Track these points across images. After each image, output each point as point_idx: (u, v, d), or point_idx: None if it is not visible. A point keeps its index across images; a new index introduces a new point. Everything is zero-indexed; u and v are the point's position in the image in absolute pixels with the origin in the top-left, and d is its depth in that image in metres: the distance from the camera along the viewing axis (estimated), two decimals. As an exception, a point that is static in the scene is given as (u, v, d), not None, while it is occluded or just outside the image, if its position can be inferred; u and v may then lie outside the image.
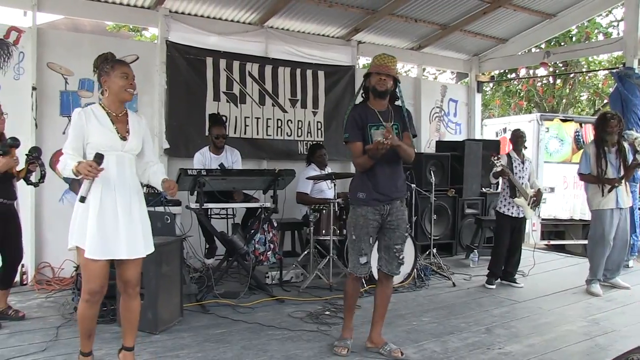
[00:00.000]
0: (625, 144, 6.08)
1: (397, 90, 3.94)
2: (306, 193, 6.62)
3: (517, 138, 6.31)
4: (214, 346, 4.00)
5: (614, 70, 7.87)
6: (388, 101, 3.95)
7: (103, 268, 3.14)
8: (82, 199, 3.04)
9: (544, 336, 4.50)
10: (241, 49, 7.25)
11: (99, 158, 2.97)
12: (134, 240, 3.19)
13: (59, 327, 4.28)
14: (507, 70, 16.15)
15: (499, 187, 6.74)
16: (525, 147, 6.40)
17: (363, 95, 4.02)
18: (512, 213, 6.13)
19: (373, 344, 4.04)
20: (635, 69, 7.40)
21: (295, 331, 4.40)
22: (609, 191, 5.91)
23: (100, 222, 3.08)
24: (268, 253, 5.73)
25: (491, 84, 19.98)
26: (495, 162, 5.95)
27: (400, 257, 4.00)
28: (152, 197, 5.35)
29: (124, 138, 3.21)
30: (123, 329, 3.44)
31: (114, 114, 3.25)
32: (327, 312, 4.90)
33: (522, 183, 6.12)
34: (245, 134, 7.24)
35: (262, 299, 5.28)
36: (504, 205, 6.17)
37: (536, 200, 6.15)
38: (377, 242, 4.06)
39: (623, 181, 5.99)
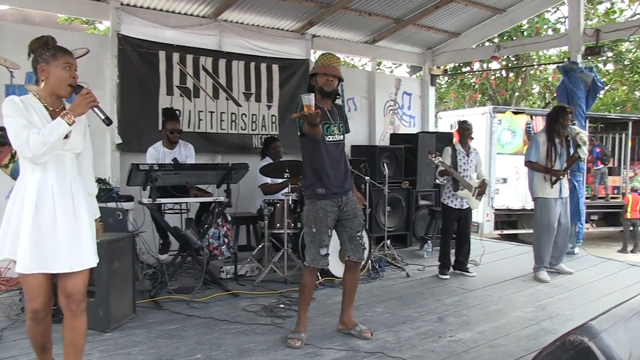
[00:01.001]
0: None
1: (339, 89, 4.11)
2: (267, 182, 6.61)
3: (463, 130, 6.43)
4: (167, 342, 3.99)
5: (560, 65, 8.10)
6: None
7: (42, 283, 2.78)
8: (109, 120, 2.88)
9: (493, 323, 4.64)
10: (195, 43, 7.18)
11: (79, 88, 2.80)
12: (77, 250, 2.81)
13: (4, 329, 4.15)
14: (461, 64, 16.47)
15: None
16: (472, 139, 6.51)
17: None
18: (455, 205, 6.26)
19: (344, 325, 4.25)
20: (579, 63, 7.64)
21: (249, 325, 4.41)
22: (554, 183, 6.11)
23: (35, 231, 2.71)
24: (222, 247, 5.74)
25: (446, 78, 20.32)
26: (433, 159, 6.07)
27: (363, 243, 4.23)
28: (104, 192, 5.29)
29: (65, 135, 2.77)
30: (64, 353, 2.92)
31: (50, 108, 2.83)
32: (281, 305, 4.92)
33: (467, 175, 6.25)
34: (199, 128, 7.19)
35: (216, 293, 5.27)
36: (448, 197, 6.29)
37: (481, 190, 6.27)
38: (339, 237, 4.22)
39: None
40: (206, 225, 5.59)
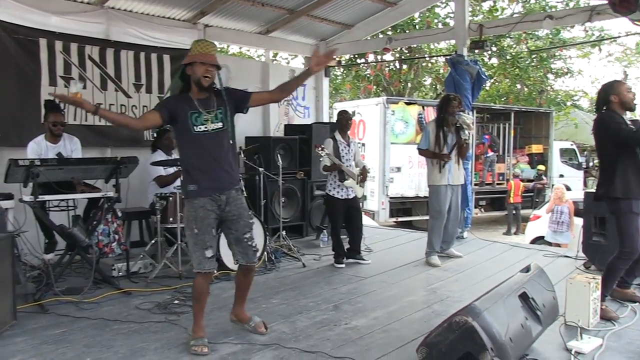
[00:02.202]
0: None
1: (218, 78, 3.80)
2: (161, 175, 6.42)
3: (344, 121, 6.54)
4: (52, 348, 3.80)
5: (448, 57, 8.47)
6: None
7: None
8: None
9: (387, 308, 4.80)
10: (79, 31, 6.80)
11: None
12: None
13: None
14: (356, 55, 16.78)
15: None
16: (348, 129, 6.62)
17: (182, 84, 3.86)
18: (342, 195, 6.39)
19: (238, 318, 4.17)
20: (465, 56, 8.01)
21: (142, 323, 4.30)
22: (442, 167, 6.38)
23: None
24: (113, 244, 5.55)
25: (341, 69, 20.64)
26: (320, 152, 6.17)
27: (253, 245, 3.96)
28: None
29: None
30: None
31: None
32: (176, 302, 4.83)
33: (349, 165, 6.40)
34: (86, 120, 6.85)
35: (107, 292, 5.08)
36: (334, 188, 6.40)
37: (363, 177, 6.46)
38: (226, 239, 4.03)
39: (456, 159, 6.49)
40: (95, 222, 5.37)
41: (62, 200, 5.38)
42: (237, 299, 4.19)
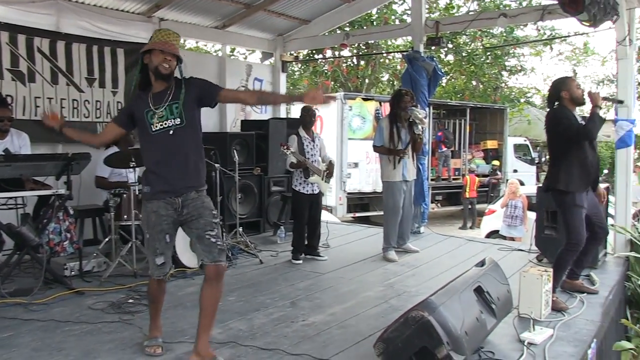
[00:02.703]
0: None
1: (179, 71, 3.50)
2: (104, 177, 6.29)
3: (307, 117, 6.49)
4: (-3, 353, 3.64)
5: (405, 53, 8.53)
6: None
7: None
8: None
9: (345, 304, 4.81)
10: (27, 22, 6.54)
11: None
12: None
13: None
14: (314, 51, 16.78)
15: None
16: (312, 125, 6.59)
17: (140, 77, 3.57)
18: (307, 191, 6.37)
19: (200, 357, 3.44)
20: (421, 52, 8.09)
21: (95, 324, 4.18)
22: (398, 162, 6.42)
23: None
24: (65, 243, 5.42)
25: (299, 65, 20.61)
26: (285, 151, 6.14)
27: (218, 243, 3.49)
28: None
29: None
30: None
31: None
32: (130, 301, 4.72)
33: (314, 160, 6.39)
34: (36, 115, 6.60)
35: (59, 293, 4.91)
36: (300, 184, 6.38)
37: (329, 172, 6.47)
38: (190, 238, 3.85)
39: (411, 154, 6.54)
40: (45, 220, 5.21)
41: (10, 198, 5.19)
42: (202, 327, 3.47)
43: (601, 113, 4.63)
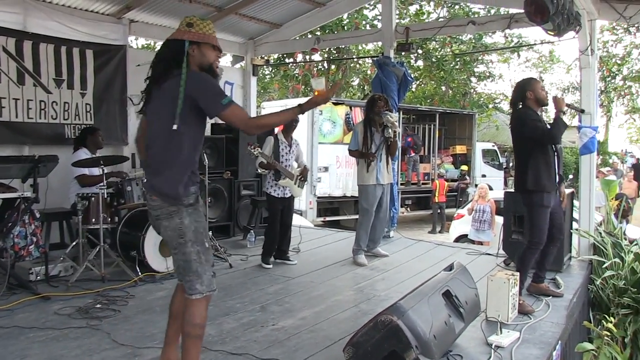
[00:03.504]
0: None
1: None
2: (84, 174, 6.16)
3: (291, 122, 6.49)
4: (-43, 362, 3.56)
5: (375, 59, 8.60)
6: None
7: None
8: None
9: (315, 308, 4.82)
10: (-8, 21, 6.46)
11: None
12: None
13: None
14: (284, 55, 16.78)
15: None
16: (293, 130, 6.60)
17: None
18: (279, 194, 6.37)
19: None
20: (391, 57, 8.16)
21: (61, 330, 4.12)
22: (369, 166, 6.47)
23: None
24: (30, 247, 5.33)
25: (270, 68, 20.60)
26: (252, 151, 6.12)
27: None
28: None
29: None
30: None
31: None
32: (98, 305, 4.66)
33: (289, 165, 6.40)
34: (1, 116, 6.47)
35: (23, 298, 4.80)
36: (271, 187, 6.39)
37: (302, 177, 6.47)
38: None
39: (385, 159, 6.60)
40: (10, 224, 5.10)
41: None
42: (170, 332, 3.27)
43: (565, 119, 4.77)
